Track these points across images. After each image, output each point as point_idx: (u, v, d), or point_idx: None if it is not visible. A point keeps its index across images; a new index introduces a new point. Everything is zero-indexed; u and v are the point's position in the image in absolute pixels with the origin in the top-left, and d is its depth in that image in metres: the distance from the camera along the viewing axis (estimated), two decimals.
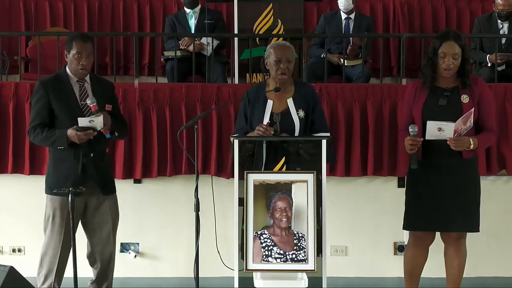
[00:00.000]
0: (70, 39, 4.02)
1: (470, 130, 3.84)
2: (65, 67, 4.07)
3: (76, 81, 4.02)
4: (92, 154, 3.98)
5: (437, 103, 3.90)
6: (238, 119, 4.12)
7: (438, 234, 4.10)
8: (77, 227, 4.06)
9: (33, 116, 4.03)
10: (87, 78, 4.06)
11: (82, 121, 3.86)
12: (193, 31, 6.09)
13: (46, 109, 3.98)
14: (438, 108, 3.89)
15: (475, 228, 3.99)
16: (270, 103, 3.99)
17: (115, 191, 4.20)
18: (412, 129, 3.82)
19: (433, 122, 3.74)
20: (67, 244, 3.97)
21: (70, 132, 3.86)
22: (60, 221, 4.01)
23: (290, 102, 4.00)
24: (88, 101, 3.92)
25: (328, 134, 3.95)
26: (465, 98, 3.89)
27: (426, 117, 3.85)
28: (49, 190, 4.02)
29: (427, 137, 3.80)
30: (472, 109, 3.80)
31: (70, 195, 3.70)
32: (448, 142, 3.79)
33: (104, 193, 4.08)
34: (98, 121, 3.86)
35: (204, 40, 5.85)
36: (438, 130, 3.75)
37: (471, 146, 3.82)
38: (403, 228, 4.13)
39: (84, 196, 3.99)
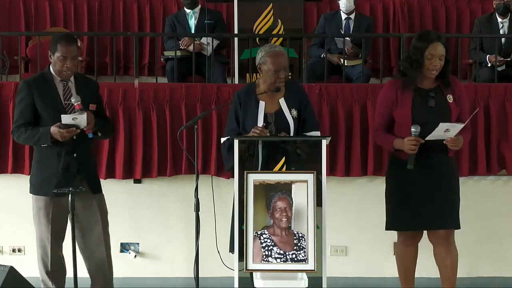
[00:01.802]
0: (54, 41, 3.92)
1: None
2: (49, 66, 4.00)
3: (60, 80, 3.97)
4: (75, 154, 3.87)
5: (426, 104, 3.91)
6: (229, 121, 4.11)
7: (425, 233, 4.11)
8: (66, 227, 4.02)
9: (17, 116, 3.97)
10: (71, 77, 4.00)
11: (66, 119, 3.79)
12: (193, 31, 6.09)
13: (30, 109, 3.92)
14: (428, 109, 3.91)
15: (459, 225, 4.03)
16: (262, 104, 4.00)
17: (102, 190, 4.14)
18: (415, 129, 3.81)
19: (444, 123, 3.75)
20: (56, 244, 3.95)
21: (53, 129, 3.79)
22: (46, 222, 3.94)
23: (283, 102, 4.01)
24: (73, 100, 3.83)
25: (319, 133, 4.05)
26: (450, 98, 3.94)
27: (417, 118, 3.87)
28: (34, 190, 3.98)
29: (429, 137, 3.81)
30: (477, 109, 3.83)
31: (70, 195, 3.70)
32: (445, 142, 3.81)
33: (93, 191, 4.01)
34: (81, 119, 3.79)
35: (204, 40, 5.85)
36: (445, 131, 3.77)
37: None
38: (389, 229, 4.09)
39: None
